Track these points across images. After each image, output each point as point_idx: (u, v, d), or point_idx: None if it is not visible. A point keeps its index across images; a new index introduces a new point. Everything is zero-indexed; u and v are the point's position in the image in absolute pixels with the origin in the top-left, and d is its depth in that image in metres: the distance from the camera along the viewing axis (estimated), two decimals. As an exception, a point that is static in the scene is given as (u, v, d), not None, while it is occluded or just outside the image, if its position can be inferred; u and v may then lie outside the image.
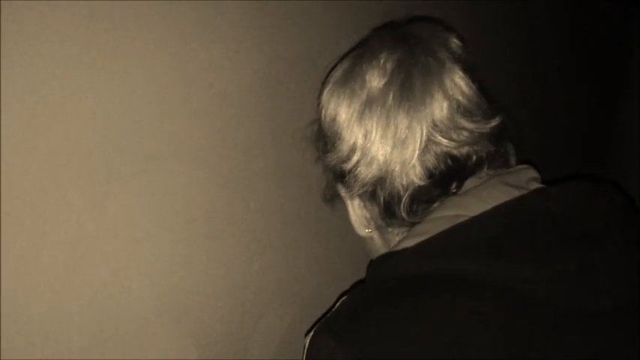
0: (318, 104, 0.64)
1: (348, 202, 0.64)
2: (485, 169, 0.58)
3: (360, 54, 0.61)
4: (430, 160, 0.56)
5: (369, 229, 0.64)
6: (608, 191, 0.57)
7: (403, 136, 0.55)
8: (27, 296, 0.58)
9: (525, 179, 0.57)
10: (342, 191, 0.64)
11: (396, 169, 0.56)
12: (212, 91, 0.70)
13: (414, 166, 0.56)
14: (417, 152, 0.55)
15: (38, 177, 0.57)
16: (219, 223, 0.74)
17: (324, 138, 0.64)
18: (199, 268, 0.73)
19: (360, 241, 0.68)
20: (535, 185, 0.56)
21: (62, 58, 0.57)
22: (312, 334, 0.52)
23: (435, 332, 0.47)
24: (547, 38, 1.35)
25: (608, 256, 0.51)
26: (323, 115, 0.62)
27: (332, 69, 0.64)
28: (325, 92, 0.62)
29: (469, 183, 0.57)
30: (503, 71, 1.21)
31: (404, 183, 0.56)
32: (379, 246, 0.64)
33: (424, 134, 0.55)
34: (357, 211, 0.64)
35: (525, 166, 0.59)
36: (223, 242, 0.75)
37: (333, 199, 0.67)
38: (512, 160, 0.62)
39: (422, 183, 0.56)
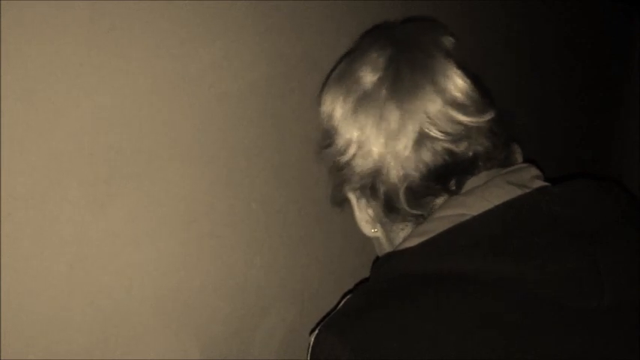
0: (318, 104, 0.66)
1: (354, 203, 0.65)
2: (484, 167, 0.58)
3: (354, 54, 0.64)
4: (425, 153, 0.57)
5: (374, 228, 0.65)
6: (612, 189, 0.57)
7: (395, 129, 0.57)
8: (28, 296, 0.58)
9: (528, 177, 0.57)
10: (350, 194, 0.65)
11: (391, 161, 0.57)
12: (213, 92, 0.70)
13: (408, 158, 0.57)
14: (409, 145, 0.56)
15: (39, 177, 0.57)
16: (221, 223, 0.74)
17: (324, 136, 0.65)
18: (201, 268, 0.73)
19: (369, 241, 0.68)
20: (538, 183, 0.56)
21: (63, 58, 0.57)
22: (316, 332, 0.52)
23: (439, 331, 0.46)
24: (548, 39, 1.35)
25: (612, 254, 0.51)
26: (321, 113, 0.64)
27: (331, 71, 0.66)
28: (323, 92, 0.65)
29: (471, 182, 0.57)
30: (503, 72, 1.21)
31: (400, 175, 0.57)
32: (385, 246, 0.65)
33: (416, 127, 0.56)
34: (363, 212, 0.65)
35: (526, 164, 0.59)
36: (225, 242, 0.75)
37: (342, 203, 0.68)
38: (519, 158, 0.62)
39: (417, 175, 0.57)
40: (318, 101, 0.66)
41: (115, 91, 0.61)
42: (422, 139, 0.56)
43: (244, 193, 0.76)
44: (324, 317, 0.56)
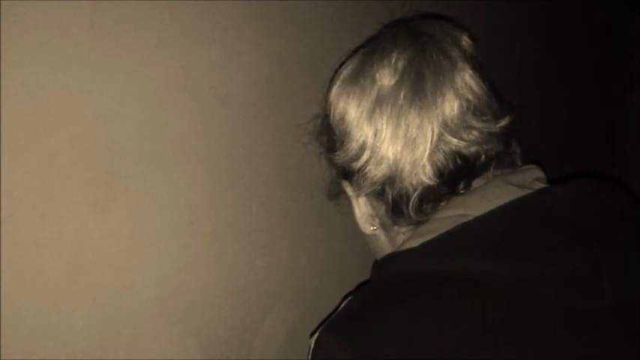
0: (326, 101, 0.63)
1: (354, 200, 0.63)
2: (492, 169, 0.58)
3: (370, 51, 0.60)
4: (440, 159, 0.56)
5: (374, 226, 0.64)
6: (614, 189, 0.56)
7: (414, 136, 0.55)
8: (29, 298, 0.58)
9: (530, 179, 0.56)
10: (349, 189, 0.63)
11: (406, 168, 0.56)
12: (214, 93, 0.70)
13: (424, 165, 0.55)
14: (427, 152, 0.55)
15: (40, 179, 0.57)
16: (222, 225, 0.74)
17: (330, 135, 0.63)
18: (202, 269, 0.73)
19: (365, 239, 0.68)
20: (540, 185, 0.56)
21: (64, 60, 0.56)
22: (317, 334, 0.51)
23: (440, 332, 0.46)
24: (548, 39, 1.35)
25: (613, 255, 0.50)
26: (332, 113, 0.61)
27: (341, 65, 0.63)
28: (334, 90, 0.61)
29: (475, 183, 0.57)
30: (503, 72, 1.21)
31: (413, 182, 0.56)
32: (383, 244, 0.64)
33: (435, 134, 0.55)
34: (362, 209, 0.63)
35: (532, 166, 0.59)
36: (226, 243, 0.75)
37: (337, 196, 0.66)
38: (518, 160, 0.61)
39: (431, 183, 0.56)
40: (325, 99, 0.64)
41: (115, 92, 0.61)
42: (438, 145, 0.55)
43: (245, 194, 0.76)
44: (326, 319, 0.56)
